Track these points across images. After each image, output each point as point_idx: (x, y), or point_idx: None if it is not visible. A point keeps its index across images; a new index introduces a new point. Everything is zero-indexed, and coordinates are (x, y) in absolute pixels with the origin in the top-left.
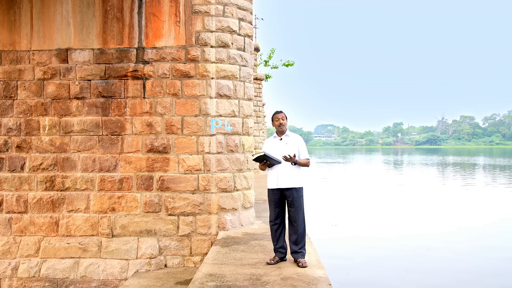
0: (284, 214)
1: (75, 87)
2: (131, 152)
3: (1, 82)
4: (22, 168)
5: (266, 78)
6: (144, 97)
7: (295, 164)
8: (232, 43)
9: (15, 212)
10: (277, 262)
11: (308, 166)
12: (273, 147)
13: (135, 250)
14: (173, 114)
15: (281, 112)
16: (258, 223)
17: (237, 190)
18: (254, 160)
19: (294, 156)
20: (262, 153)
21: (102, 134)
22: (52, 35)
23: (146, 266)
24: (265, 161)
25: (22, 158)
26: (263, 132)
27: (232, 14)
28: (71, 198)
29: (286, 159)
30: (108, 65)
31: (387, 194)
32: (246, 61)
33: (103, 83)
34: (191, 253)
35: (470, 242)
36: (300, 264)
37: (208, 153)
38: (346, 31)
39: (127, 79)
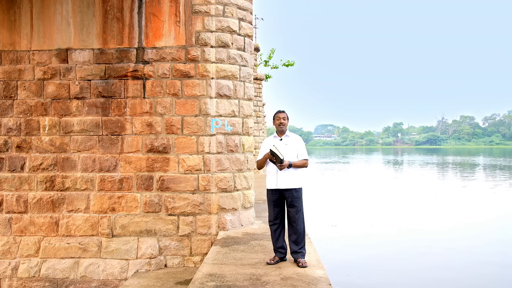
0: (284, 214)
1: (75, 87)
2: (131, 152)
3: (1, 82)
4: (22, 168)
5: (266, 78)
6: (144, 97)
7: (290, 167)
8: (232, 43)
9: (15, 212)
10: (277, 262)
11: (306, 166)
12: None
13: (135, 250)
14: (173, 114)
15: (283, 112)
16: (258, 223)
17: (237, 190)
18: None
19: (290, 165)
20: (273, 147)
21: (102, 134)
22: (52, 35)
23: (146, 266)
24: (273, 158)
25: (22, 158)
26: (263, 132)
27: (232, 14)
28: (71, 198)
29: (281, 168)
30: (108, 65)
31: (388, 194)
32: (246, 61)
33: (103, 83)
34: (191, 253)
35: (471, 241)
36: (300, 264)
37: (208, 153)
38: (346, 31)
39: (127, 79)
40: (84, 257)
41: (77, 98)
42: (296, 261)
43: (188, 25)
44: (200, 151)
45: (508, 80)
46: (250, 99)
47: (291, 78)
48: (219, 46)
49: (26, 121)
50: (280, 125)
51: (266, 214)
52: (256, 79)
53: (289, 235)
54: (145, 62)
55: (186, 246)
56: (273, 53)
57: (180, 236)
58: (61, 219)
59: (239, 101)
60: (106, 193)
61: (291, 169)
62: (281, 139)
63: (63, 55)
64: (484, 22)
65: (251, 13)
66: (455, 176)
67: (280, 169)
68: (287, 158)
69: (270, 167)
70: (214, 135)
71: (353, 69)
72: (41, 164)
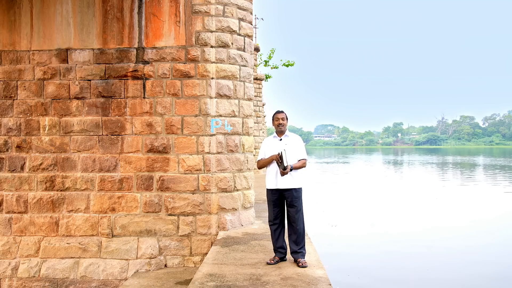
0: (283, 214)
1: (75, 87)
2: (131, 152)
3: (1, 82)
4: (22, 168)
5: (266, 78)
6: (144, 97)
7: (291, 170)
8: (232, 43)
9: (15, 212)
10: (277, 262)
11: (304, 166)
12: (273, 147)
13: (135, 250)
14: (173, 114)
15: (282, 112)
16: (258, 223)
17: (237, 190)
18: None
19: (291, 169)
20: (284, 152)
21: (102, 134)
22: (52, 35)
23: (146, 266)
24: (279, 161)
25: (22, 158)
26: (263, 132)
27: (232, 14)
28: (71, 198)
29: (283, 174)
30: (108, 65)
31: (388, 194)
32: (246, 61)
33: (103, 83)
34: (191, 253)
35: (471, 241)
36: (300, 264)
37: (208, 153)
38: (346, 31)
39: (127, 79)
40: (84, 257)
41: (77, 98)
42: (296, 261)
43: (188, 25)
44: (200, 151)
45: (508, 80)
46: (250, 99)
47: (291, 78)
48: (219, 46)
49: (26, 121)
50: (279, 125)
51: (266, 214)
52: (256, 79)
53: (289, 235)
54: (145, 62)
55: (186, 246)
56: (273, 53)
57: (180, 236)
58: (61, 219)
59: (239, 101)
60: (106, 193)
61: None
62: (280, 139)
63: (63, 55)
64: (484, 22)
65: (251, 13)
66: (455, 176)
67: (282, 174)
68: (288, 160)
69: (271, 167)
70: (214, 135)
71: (353, 69)
72: (41, 164)
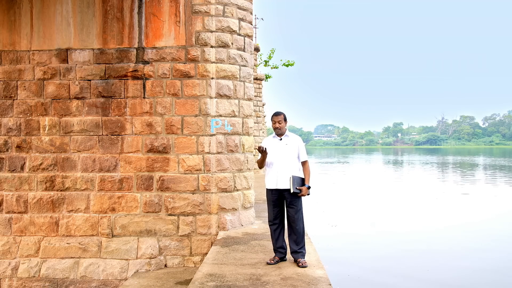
0: (283, 214)
1: (75, 87)
2: (131, 152)
3: (1, 82)
4: (22, 168)
5: (266, 78)
6: (144, 97)
7: (309, 188)
8: (232, 43)
9: (15, 212)
10: (277, 262)
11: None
12: (273, 147)
13: (135, 250)
14: (173, 114)
15: (280, 114)
16: (258, 223)
17: (237, 190)
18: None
19: (308, 188)
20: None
21: (102, 134)
22: (52, 35)
23: (146, 266)
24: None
25: (22, 158)
26: (263, 132)
27: (232, 14)
28: (71, 198)
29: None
30: (108, 65)
31: (388, 194)
32: (246, 61)
33: (103, 83)
34: (191, 253)
35: (471, 241)
36: (300, 264)
37: (208, 153)
38: (346, 31)
39: (127, 79)
40: (84, 257)
41: (77, 98)
42: (296, 261)
43: (188, 25)
44: (200, 151)
45: (508, 79)
46: (250, 99)
47: (291, 78)
48: (219, 46)
49: (26, 121)
50: (276, 129)
51: (266, 214)
52: (256, 79)
53: (289, 235)
54: (145, 62)
55: (186, 246)
56: (273, 53)
57: (180, 236)
58: (61, 219)
59: (239, 101)
60: (106, 193)
61: (291, 169)
62: (280, 139)
63: (63, 55)
64: (484, 22)
65: (251, 13)
66: (455, 176)
67: (303, 195)
68: (287, 159)
69: (270, 167)
70: (214, 135)
71: (353, 69)
72: (41, 164)
